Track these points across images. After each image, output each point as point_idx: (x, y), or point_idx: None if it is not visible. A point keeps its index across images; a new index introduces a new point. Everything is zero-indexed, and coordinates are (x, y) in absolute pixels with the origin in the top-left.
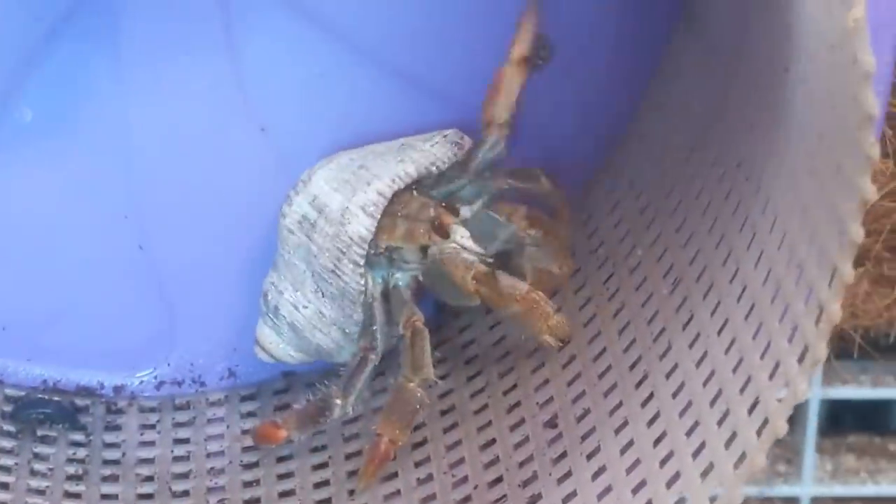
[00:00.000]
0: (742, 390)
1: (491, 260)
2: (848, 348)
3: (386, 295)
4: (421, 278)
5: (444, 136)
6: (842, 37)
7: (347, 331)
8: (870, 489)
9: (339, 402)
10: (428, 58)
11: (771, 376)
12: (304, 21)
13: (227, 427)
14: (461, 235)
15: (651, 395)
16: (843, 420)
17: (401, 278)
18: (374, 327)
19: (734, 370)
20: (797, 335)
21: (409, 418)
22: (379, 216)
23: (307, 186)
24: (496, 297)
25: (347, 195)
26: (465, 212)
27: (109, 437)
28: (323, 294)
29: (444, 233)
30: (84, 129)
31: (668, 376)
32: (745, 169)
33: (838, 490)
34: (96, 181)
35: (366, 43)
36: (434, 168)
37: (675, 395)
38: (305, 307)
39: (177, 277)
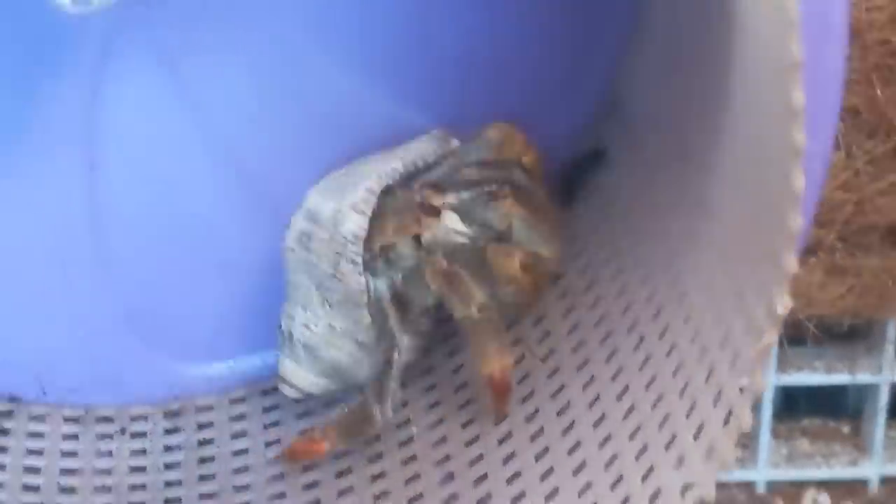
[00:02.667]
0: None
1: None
2: (801, 336)
3: (398, 299)
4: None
5: (430, 135)
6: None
7: (360, 339)
8: (824, 472)
9: (376, 408)
10: (272, 167)
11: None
12: (174, 88)
13: None
14: (451, 220)
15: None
16: (797, 404)
17: (404, 282)
18: (389, 324)
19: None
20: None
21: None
22: (370, 213)
23: (303, 205)
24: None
25: (338, 199)
26: (452, 198)
27: None
28: (330, 305)
29: (434, 210)
30: None
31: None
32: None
33: (793, 474)
34: None
35: (224, 135)
36: (420, 162)
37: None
38: (316, 324)
39: None
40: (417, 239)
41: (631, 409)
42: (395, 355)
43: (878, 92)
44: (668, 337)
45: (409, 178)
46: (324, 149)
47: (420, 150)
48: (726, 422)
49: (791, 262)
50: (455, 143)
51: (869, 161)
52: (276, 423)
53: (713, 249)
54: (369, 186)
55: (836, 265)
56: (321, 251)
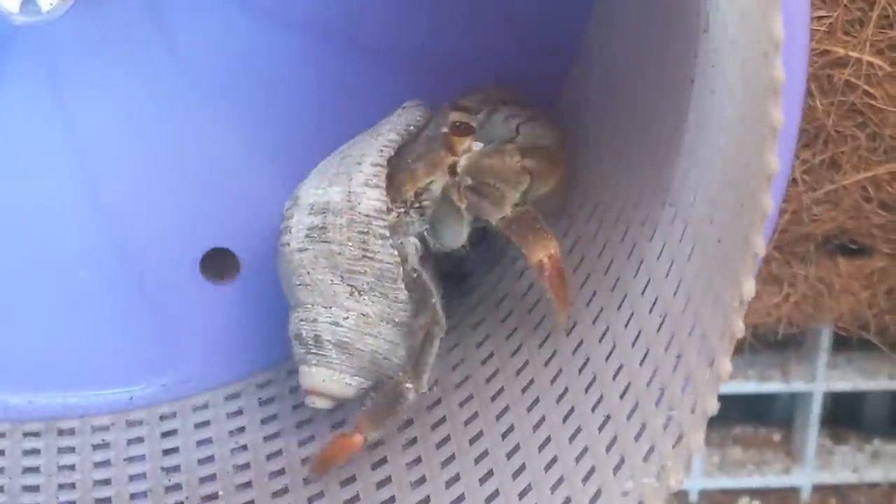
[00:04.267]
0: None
1: None
2: (737, 345)
3: (429, 258)
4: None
5: (404, 108)
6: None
7: (397, 320)
8: (756, 481)
9: (410, 385)
10: (138, 215)
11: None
12: (58, 118)
13: None
14: (476, 144)
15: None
16: (728, 411)
17: (434, 228)
18: (433, 300)
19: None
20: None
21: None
22: (384, 185)
23: (298, 204)
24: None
25: (345, 182)
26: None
27: None
28: (360, 292)
29: (468, 129)
30: None
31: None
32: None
33: (726, 482)
34: None
35: (95, 176)
36: (412, 127)
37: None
38: (346, 318)
39: None
40: (452, 170)
41: (578, 431)
42: (436, 330)
43: (817, 102)
44: (615, 357)
45: (403, 147)
46: (192, 208)
47: (406, 118)
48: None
49: (738, 325)
50: (428, 109)
51: (806, 171)
52: (106, 463)
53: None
54: (374, 161)
55: (772, 274)
56: (342, 238)
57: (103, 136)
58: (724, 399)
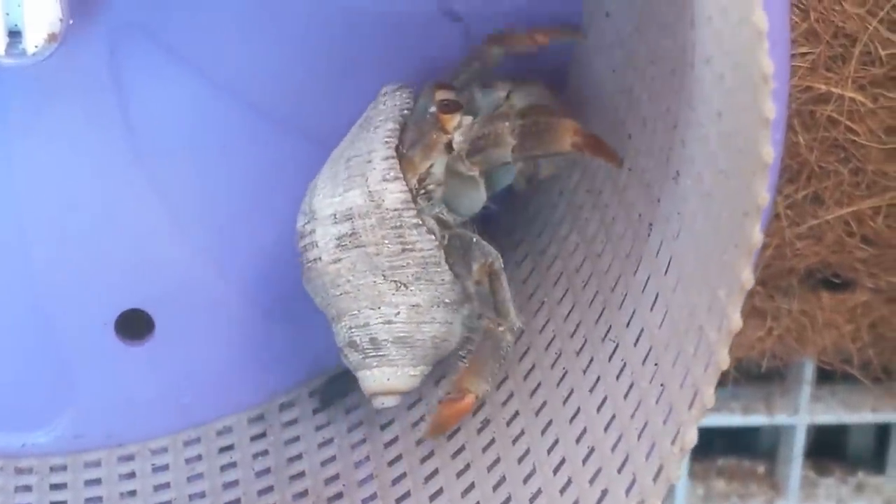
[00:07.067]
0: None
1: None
2: (721, 379)
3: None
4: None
5: (385, 94)
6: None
7: (448, 301)
8: None
9: (502, 328)
10: (61, 270)
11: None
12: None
13: None
14: (466, 119)
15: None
16: (712, 443)
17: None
18: (474, 240)
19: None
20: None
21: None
22: (402, 176)
23: (316, 217)
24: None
25: (361, 184)
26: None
27: None
28: (406, 286)
29: (457, 105)
30: None
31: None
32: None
33: None
34: None
35: (31, 229)
36: (406, 111)
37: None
38: (397, 314)
39: None
40: (448, 149)
41: (562, 462)
42: (495, 263)
43: (800, 138)
44: (599, 389)
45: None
46: (114, 267)
47: (394, 104)
48: (656, 476)
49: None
50: (409, 89)
51: (789, 206)
52: None
53: (651, 302)
54: (384, 155)
55: (756, 308)
56: (376, 238)
57: (40, 186)
58: (708, 431)
